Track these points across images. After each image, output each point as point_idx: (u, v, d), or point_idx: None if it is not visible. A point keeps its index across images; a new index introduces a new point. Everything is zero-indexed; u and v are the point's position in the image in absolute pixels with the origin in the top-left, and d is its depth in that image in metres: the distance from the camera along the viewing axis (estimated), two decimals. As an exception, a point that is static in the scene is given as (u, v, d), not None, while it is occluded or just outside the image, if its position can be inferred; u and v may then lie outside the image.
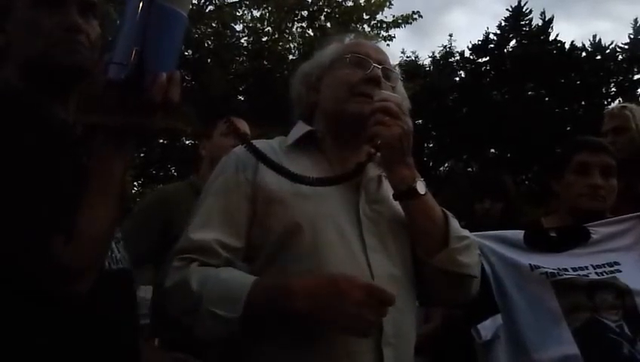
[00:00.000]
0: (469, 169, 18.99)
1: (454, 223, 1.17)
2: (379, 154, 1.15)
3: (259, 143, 1.16)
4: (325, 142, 1.24)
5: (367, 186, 1.20)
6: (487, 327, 1.52)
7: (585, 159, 1.66)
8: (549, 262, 1.57)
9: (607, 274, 1.53)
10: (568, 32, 47.25)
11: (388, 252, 1.14)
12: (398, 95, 1.21)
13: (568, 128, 17.22)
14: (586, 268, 1.55)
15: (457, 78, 19.88)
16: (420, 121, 18.70)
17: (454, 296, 1.22)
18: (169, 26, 0.90)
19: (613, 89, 18.39)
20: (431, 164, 19.65)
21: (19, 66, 1.00)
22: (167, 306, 1.07)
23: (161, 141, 10.96)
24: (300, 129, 1.26)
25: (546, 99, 18.67)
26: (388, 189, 1.19)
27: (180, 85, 0.92)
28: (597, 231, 1.63)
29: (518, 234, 1.66)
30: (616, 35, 45.68)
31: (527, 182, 17.38)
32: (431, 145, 20.04)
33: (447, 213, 1.18)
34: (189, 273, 1.04)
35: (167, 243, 1.86)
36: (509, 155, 18.43)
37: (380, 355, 1.06)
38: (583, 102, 18.39)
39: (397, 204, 1.17)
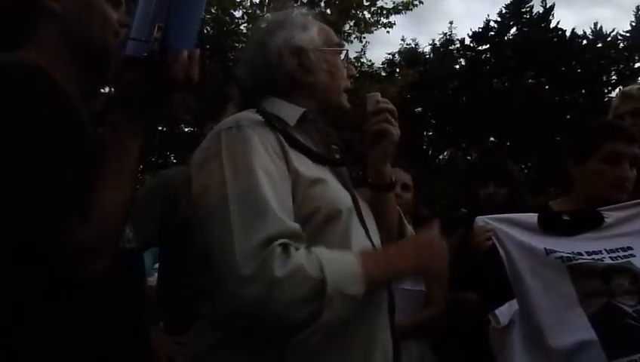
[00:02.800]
0: (469, 157, 19.00)
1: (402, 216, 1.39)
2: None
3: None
4: (316, 124, 1.22)
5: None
6: (503, 313, 1.51)
7: (620, 149, 1.61)
8: (564, 246, 1.55)
9: (621, 258, 1.52)
10: (569, 19, 46.83)
11: (375, 234, 1.22)
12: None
13: (568, 116, 17.22)
14: (600, 252, 1.53)
15: (457, 66, 19.79)
16: (420, 108, 18.71)
17: None
18: (192, 2, 0.88)
19: (614, 77, 18.30)
20: (430, 152, 19.65)
21: (64, 34, 0.99)
22: (278, 296, 0.91)
23: (161, 128, 10.94)
24: (294, 110, 1.17)
25: (547, 87, 18.61)
26: None
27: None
28: (610, 215, 1.61)
29: (532, 217, 1.64)
30: (618, 23, 45.49)
31: (526, 171, 17.40)
32: (430, 133, 20.03)
33: (397, 207, 1.37)
34: (298, 259, 0.93)
35: (169, 227, 1.88)
36: (508, 144, 18.42)
37: (396, 341, 1.14)
38: (583, 91, 18.33)
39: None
